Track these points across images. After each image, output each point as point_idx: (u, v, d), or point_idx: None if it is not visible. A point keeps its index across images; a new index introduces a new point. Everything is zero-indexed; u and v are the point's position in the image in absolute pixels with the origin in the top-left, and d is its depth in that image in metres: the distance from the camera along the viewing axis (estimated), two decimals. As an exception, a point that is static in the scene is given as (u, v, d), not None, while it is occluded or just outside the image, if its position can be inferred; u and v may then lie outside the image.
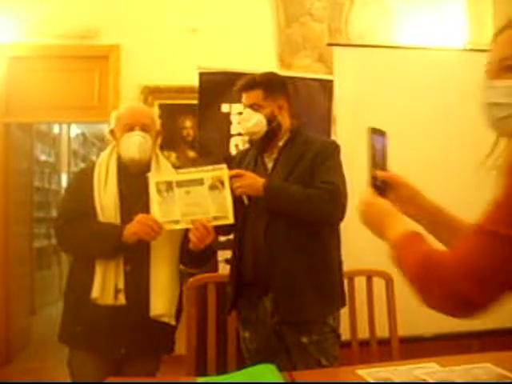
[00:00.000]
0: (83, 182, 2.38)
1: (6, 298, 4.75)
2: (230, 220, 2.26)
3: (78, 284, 2.31)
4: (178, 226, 2.26)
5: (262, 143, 2.45)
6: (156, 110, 2.62)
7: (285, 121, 2.48)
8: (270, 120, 2.42)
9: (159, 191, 2.22)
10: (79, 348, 2.30)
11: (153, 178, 2.25)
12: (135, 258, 2.27)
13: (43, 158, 7.11)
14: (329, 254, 2.44)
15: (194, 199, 2.23)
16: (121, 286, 2.24)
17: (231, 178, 2.28)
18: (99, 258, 2.25)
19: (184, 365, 2.50)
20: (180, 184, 2.23)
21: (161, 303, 2.28)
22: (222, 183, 2.24)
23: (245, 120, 2.43)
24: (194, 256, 2.32)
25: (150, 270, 2.29)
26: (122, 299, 2.23)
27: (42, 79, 4.72)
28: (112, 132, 2.44)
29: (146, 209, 2.26)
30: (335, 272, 2.45)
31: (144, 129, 2.37)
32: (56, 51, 4.67)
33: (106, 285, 2.23)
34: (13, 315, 4.87)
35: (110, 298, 2.23)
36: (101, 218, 2.29)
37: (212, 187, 2.23)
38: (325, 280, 2.39)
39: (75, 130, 8.34)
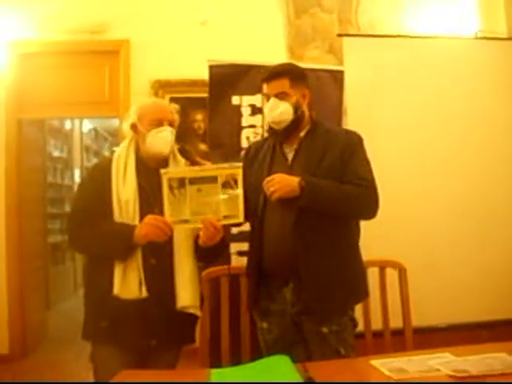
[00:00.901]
0: (99, 177, 2.37)
1: (21, 293, 4.79)
2: (241, 219, 2.25)
3: (99, 280, 2.30)
4: (188, 226, 2.24)
5: (285, 133, 2.44)
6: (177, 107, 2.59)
7: (307, 111, 2.49)
8: (296, 109, 2.41)
9: (171, 188, 2.19)
10: (105, 344, 2.29)
11: (166, 174, 2.22)
12: (159, 250, 2.27)
13: (56, 153, 7.15)
14: (356, 245, 2.47)
15: (206, 197, 2.21)
16: (147, 279, 2.24)
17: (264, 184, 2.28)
18: (111, 259, 2.26)
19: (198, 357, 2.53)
20: (193, 181, 2.21)
21: (187, 295, 2.29)
22: (236, 182, 2.21)
23: (272, 109, 2.40)
24: (203, 252, 2.32)
25: (174, 263, 2.30)
26: (143, 292, 2.24)
27: (53, 75, 4.74)
28: (134, 126, 2.42)
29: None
30: (361, 263, 2.49)
31: (171, 124, 2.38)
32: (66, 47, 4.69)
33: (131, 279, 2.24)
34: (28, 310, 4.91)
35: (136, 291, 2.23)
36: (118, 212, 2.28)
37: (225, 185, 2.21)
38: (352, 271, 2.42)
39: (87, 125, 8.38)
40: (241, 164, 2.24)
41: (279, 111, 2.39)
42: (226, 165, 2.27)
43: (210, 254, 2.35)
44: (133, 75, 4.70)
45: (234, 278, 2.61)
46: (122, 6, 4.71)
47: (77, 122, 7.87)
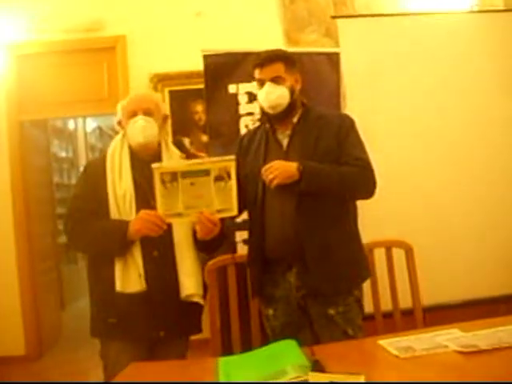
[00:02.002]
0: (93, 175, 2.39)
1: (35, 294, 4.83)
2: (234, 212, 2.24)
3: (102, 277, 2.32)
4: (181, 220, 2.24)
5: (280, 118, 2.43)
6: (159, 96, 2.59)
7: (299, 96, 2.48)
8: (291, 93, 2.42)
9: (163, 182, 2.18)
10: (114, 339, 2.32)
11: (158, 169, 2.20)
12: (161, 242, 2.28)
13: (61, 154, 7.16)
14: (355, 226, 2.49)
15: (198, 191, 2.19)
16: (150, 271, 2.26)
17: (262, 172, 2.28)
18: (108, 256, 2.28)
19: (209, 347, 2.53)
20: (185, 175, 2.19)
21: (190, 283, 2.30)
22: (229, 175, 2.20)
23: (269, 93, 2.39)
24: (203, 244, 2.33)
25: (175, 253, 2.31)
26: (152, 285, 2.25)
27: (52, 75, 4.74)
28: (119, 123, 2.46)
29: None
30: (360, 243, 2.51)
31: (147, 113, 2.38)
32: (63, 46, 4.68)
33: (135, 272, 2.26)
34: (43, 310, 4.95)
35: (141, 284, 2.25)
36: (115, 208, 2.30)
37: (217, 178, 2.19)
38: (353, 251, 2.44)
39: (91, 124, 8.37)
40: (233, 157, 2.23)
41: (276, 95, 2.38)
42: (218, 158, 2.26)
43: (209, 245, 2.36)
44: (131, 70, 4.69)
45: (240, 266, 2.61)
46: (117, 2, 4.70)
47: (80, 121, 7.87)
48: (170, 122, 4.48)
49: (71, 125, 7.67)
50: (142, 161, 2.37)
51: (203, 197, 2.20)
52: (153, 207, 2.23)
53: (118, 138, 2.46)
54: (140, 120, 2.35)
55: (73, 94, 4.70)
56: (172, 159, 2.43)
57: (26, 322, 4.72)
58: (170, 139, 2.54)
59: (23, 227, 4.75)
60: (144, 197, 2.30)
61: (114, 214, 2.30)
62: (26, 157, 4.89)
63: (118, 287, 2.24)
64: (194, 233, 2.31)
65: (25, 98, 4.76)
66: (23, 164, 4.82)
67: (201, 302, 2.36)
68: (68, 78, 4.73)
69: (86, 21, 4.66)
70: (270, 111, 2.42)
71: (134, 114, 2.37)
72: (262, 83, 2.42)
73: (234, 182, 2.21)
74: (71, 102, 4.75)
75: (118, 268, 2.26)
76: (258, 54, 2.49)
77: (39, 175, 5.29)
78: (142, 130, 2.34)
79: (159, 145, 2.45)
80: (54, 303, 5.47)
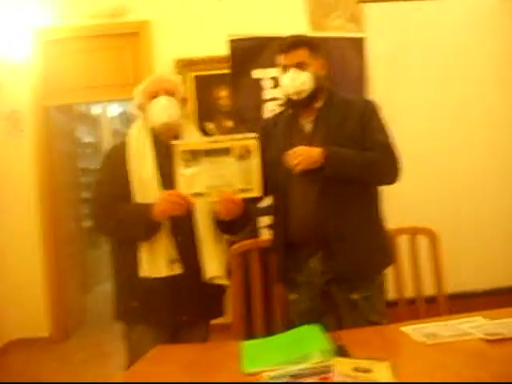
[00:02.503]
0: (116, 160, 2.39)
1: (60, 277, 4.89)
2: (258, 193, 2.20)
3: (127, 260, 2.33)
4: (203, 199, 2.21)
5: (304, 103, 2.42)
6: (179, 78, 2.57)
7: (324, 81, 2.46)
8: (316, 78, 2.40)
9: (185, 160, 2.17)
10: (137, 323, 2.34)
11: (178, 146, 2.20)
12: (184, 227, 2.29)
13: (86, 139, 7.21)
14: (379, 211, 2.49)
15: (220, 170, 2.17)
16: (175, 255, 2.27)
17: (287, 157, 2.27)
18: (135, 240, 2.29)
19: (231, 332, 2.55)
20: (206, 153, 2.17)
21: (213, 265, 2.30)
22: (250, 153, 2.17)
23: (294, 79, 2.37)
24: (225, 224, 2.33)
25: (198, 237, 2.31)
26: (177, 269, 2.27)
27: (77, 60, 4.77)
28: (140, 106, 2.44)
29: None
30: (384, 228, 2.50)
31: (168, 93, 2.38)
32: (88, 31, 4.70)
33: (160, 257, 2.26)
34: (67, 294, 5.02)
35: (165, 268, 2.26)
36: (140, 192, 2.30)
37: (240, 157, 2.17)
38: (378, 237, 2.44)
39: (115, 109, 8.41)
40: (255, 135, 2.21)
41: (301, 81, 2.37)
42: (239, 136, 2.23)
43: (232, 226, 2.36)
44: (156, 56, 4.69)
45: (263, 251, 2.62)
46: (141, -13, 4.71)
47: (104, 106, 7.92)
48: (195, 107, 4.53)
49: (96, 110, 7.71)
50: (164, 144, 2.37)
51: (225, 176, 2.17)
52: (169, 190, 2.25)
53: (138, 122, 2.46)
54: (162, 99, 2.35)
55: (98, 79, 4.73)
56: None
57: (51, 305, 4.79)
58: (192, 123, 2.51)
59: (49, 212, 4.80)
60: (168, 179, 2.28)
61: (138, 197, 2.30)
62: (52, 142, 4.93)
63: (143, 272, 2.25)
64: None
65: (50, 84, 4.79)
66: (49, 149, 4.86)
67: (225, 283, 2.37)
68: (93, 63, 4.75)
69: (110, 6, 4.66)
70: (294, 97, 2.41)
71: (155, 95, 2.37)
72: (286, 69, 2.41)
73: (257, 161, 2.17)
74: (96, 87, 4.77)
75: (144, 252, 2.27)
76: (282, 39, 2.48)
77: (64, 160, 5.33)
78: (165, 108, 2.34)
79: (180, 128, 2.44)
80: (78, 287, 5.53)
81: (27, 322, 4.72)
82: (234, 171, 2.18)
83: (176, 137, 2.38)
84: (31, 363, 4.29)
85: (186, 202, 2.18)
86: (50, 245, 4.81)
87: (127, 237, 2.33)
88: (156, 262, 2.26)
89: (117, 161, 2.37)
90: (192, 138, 2.43)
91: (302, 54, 2.39)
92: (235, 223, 2.32)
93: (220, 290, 2.40)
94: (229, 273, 2.45)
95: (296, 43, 2.41)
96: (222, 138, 2.28)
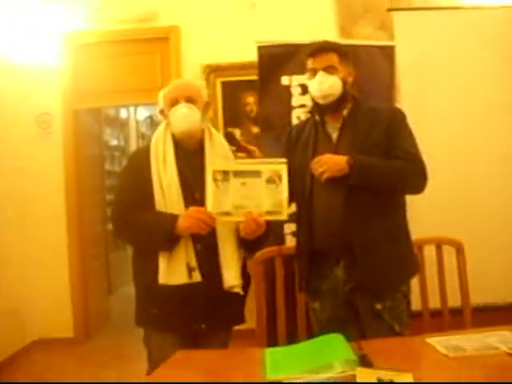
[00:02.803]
0: (138, 165, 2.38)
1: (84, 278, 4.94)
2: (284, 216, 2.23)
3: (147, 267, 2.32)
4: (230, 219, 2.23)
5: (331, 108, 2.41)
6: (202, 83, 2.58)
7: (351, 89, 2.46)
8: (344, 84, 2.40)
9: (215, 180, 2.20)
10: (157, 330, 2.34)
11: (211, 166, 2.24)
12: (204, 236, 2.27)
13: (113, 142, 7.28)
14: (404, 221, 2.47)
15: (249, 191, 2.20)
16: (194, 264, 2.25)
17: (312, 165, 2.27)
18: (154, 250, 2.28)
19: (254, 338, 2.54)
20: (237, 174, 2.21)
21: (232, 274, 2.29)
22: (280, 178, 2.20)
23: (321, 82, 2.37)
24: (243, 242, 2.33)
25: (217, 246, 2.30)
26: (196, 277, 2.25)
27: (106, 64, 4.83)
28: (162, 111, 2.45)
29: (204, 189, 2.27)
30: (409, 238, 2.48)
31: (189, 100, 2.35)
32: (117, 36, 4.75)
33: (179, 264, 2.25)
34: (91, 295, 5.06)
35: (184, 276, 2.24)
36: (161, 198, 2.29)
37: (269, 181, 2.20)
38: (402, 246, 2.42)
39: (143, 113, 8.49)
40: (285, 160, 2.24)
41: (328, 84, 2.37)
42: (270, 160, 2.27)
43: (250, 245, 2.36)
44: (184, 61, 4.73)
45: (288, 258, 2.61)
46: (171, -8, 4.75)
47: (132, 110, 7.99)
48: (221, 113, 4.55)
49: (123, 113, 7.79)
50: (186, 150, 2.38)
51: (253, 197, 2.20)
52: (196, 199, 2.26)
53: (162, 127, 2.45)
54: (182, 107, 2.33)
55: (126, 84, 4.77)
56: (216, 148, 2.41)
57: (74, 306, 4.83)
58: (214, 129, 2.50)
59: (75, 214, 4.84)
60: (188, 187, 2.30)
61: (159, 204, 2.29)
62: (80, 144, 4.99)
63: (162, 280, 2.24)
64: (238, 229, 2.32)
65: (80, 87, 4.85)
66: (76, 151, 4.91)
67: (241, 292, 2.34)
68: (122, 68, 4.80)
69: (140, 11, 4.71)
70: (321, 101, 2.40)
71: (176, 102, 2.35)
72: (314, 72, 2.40)
73: (285, 186, 2.21)
74: (124, 91, 4.82)
75: (163, 260, 2.25)
76: (311, 44, 2.48)
77: (91, 163, 5.39)
78: (185, 117, 2.32)
79: (203, 133, 2.43)
80: (102, 288, 5.57)
81: (51, 322, 4.77)
82: (262, 193, 2.21)
83: (197, 144, 2.39)
84: (52, 363, 4.32)
85: (213, 222, 2.19)
86: (76, 246, 4.85)
87: (146, 246, 2.34)
88: (176, 269, 2.25)
89: (139, 166, 2.36)
90: (215, 145, 2.43)
91: (330, 58, 2.39)
92: (253, 243, 2.33)
93: (240, 297, 2.38)
94: (249, 280, 2.45)
95: (325, 47, 2.41)
96: (252, 161, 2.31)
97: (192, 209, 2.21)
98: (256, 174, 2.21)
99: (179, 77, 4.56)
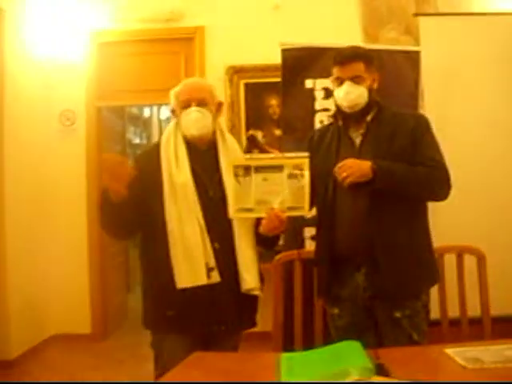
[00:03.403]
0: (146, 166, 2.31)
1: (103, 275, 4.98)
2: (306, 211, 2.22)
3: (161, 267, 2.25)
4: (252, 215, 2.22)
5: (356, 117, 2.40)
6: (212, 84, 2.54)
7: (376, 94, 2.45)
8: (369, 92, 2.39)
9: (236, 175, 2.18)
10: (171, 332, 2.27)
11: (231, 161, 2.22)
12: (221, 234, 2.26)
13: (135, 140, 7.32)
14: (427, 229, 2.45)
15: (271, 187, 2.18)
16: (212, 264, 2.21)
17: (335, 171, 2.26)
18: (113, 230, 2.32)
19: (270, 341, 2.54)
20: (258, 169, 2.18)
21: (251, 277, 2.27)
22: (302, 173, 2.18)
23: (348, 92, 2.35)
24: (262, 239, 2.30)
25: (235, 246, 2.27)
26: (215, 277, 2.21)
27: (131, 63, 4.88)
28: (173, 111, 2.41)
29: (219, 187, 2.26)
30: (432, 247, 2.46)
31: (201, 103, 2.31)
32: (143, 35, 4.80)
33: (198, 264, 2.20)
34: (109, 292, 5.10)
35: (203, 277, 2.20)
36: (173, 196, 2.23)
37: (291, 176, 2.18)
38: (424, 255, 2.41)
39: (166, 112, 8.51)
40: (307, 154, 2.23)
41: (355, 95, 2.35)
42: (292, 155, 2.26)
43: (269, 241, 2.35)
44: (208, 61, 4.75)
45: (307, 262, 2.60)
46: (196, -7, 4.76)
47: (155, 109, 8.03)
48: (243, 114, 4.55)
49: (147, 112, 7.83)
50: (198, 149, 2.35)
51: (275, 193, 2.18)
52: (211, 198, 2.25)
53: (171, 127, 2.40)
54: (193, 112, 2.29)
55: (150, 83, 4.79)
56: (228, 147, 2.38)
57: (93, 302, 4.88)
58: (227, 130, 2.48)
59: (96, 212, 4.86)
60: (203, 186, 2.27)
61: (169, 202, 2.24)
62: (103, 141, 5.03)
63: (180, 283, 2.19)
64: (256, 226, 2.29)
65: (104, 85, 4.89)
66: (99, 148, 4.95)
67: (260, 294, 2.33)
68: (146, 67, 4.84)
69: (165, 11, 4.74)
70: (348, 110, 2.39)
71: (187, 105, 2.31)
72: (341, 81, 2.38)
73: (307, 181, 2.19)
74: (148, 90, 4.84)
75: (180, 260, 2.21)
76: (337, 50, 2.46)
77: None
78: (196, 122, 2.29)
79: (214, 133, 2.39)
80: (121, 286, 5.60)
81: (69, 318, 4.82)
82: (284, 188, 2.18)
83: (209, 144, 2.36)
84: (68, 359, 4.38)
85: (126, 166, 2.12)
86: (96, 243, 4.90)
87: (120, 227, 2.33)
88: (194, 269, 2.20)
89: (147, 167, 2.30)
90: (227, 146, 2.39)
91: (357, 68, 2.37)
92: (272, 239, 2.32)
93: (254, 299, 2.35)
94: (262, 281, 2.40)
95: (352, 56, 2.38)
96: (274, 155, 2.29)
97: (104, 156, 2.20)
98: (278, 168, 2.18)
99: (203, 77, 4.58)
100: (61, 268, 4.82)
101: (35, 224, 4.72)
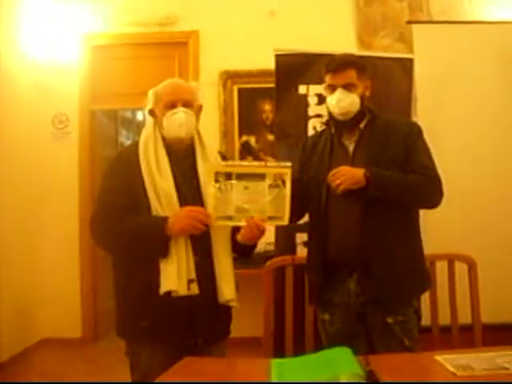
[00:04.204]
0: (126, 166, 2.23)
1: (94, 279, 4.96)
2: (286, 221, 2.16)
3: (141, 277, 2.17)
4: (231, 223, 2.16)
5: (349, 124, 2.41)
6: (196, 84, 2.48)
7: (368, 102, 2.46)
8: (362, 100, 2.40)
9: (217, 181, 2.11)
10: (146, 342, 2.19)
11: (212, 167, 2.15)
12: (201, 247, 2.18)
13: (128, 143, 7.29)
14: (419, 235, 2.46)
15: (252, 195, 2.12)
16: (193, 275, 2.14)
17: (329, 177, 2.26)
18: (142, 256, 2.15)
19: (257, 347, 2.53)
20: (240, 177, 2.13)
21: (229, 288, 2.21)
22: (284, 182, 2.13)
23: (340, 100, 2.36)
24: (240, 247, 2.26)
25: (213, 258, 2.21)
26: (194, 289, 2.14)
27: (124, 67, 4.87)
28: (152, 112, 2.32)
29: (197, 194, 2.20)
30: (423, 253, 2.47)
31: (186, 104, 2.23)
32: (137, 39, 4.80)
33: (180, 275, 2.12)
34: (100, 296, 5.06)
35: (183, 288, 2.12)
36: (158, 204, 2.14)
37: (272, 185, 2.13)
38: (416, 261, 2.42)
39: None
40: (290, 164, 2.17)
41: (347, 102, 2.36)
42: (274, 163, 2.23)
43: (246, 250, 2.30)
44: (202, 66, 4.75)
45: (298, 268, 2.60)
46: (190, -3, 4.77)
47: (149, 112, 8.01)
48: (236, 119, 4.56)
49: (140, 116, 7.81)
50: (178, 155, 2.26)
51: (256, 202, 2.13)
52: (190, 205, 2.14)
53: (150, 129, 2.30)
54: (180, 113, 2.20)
55: (144, 87, 4.70)
56: (206, 152, 2.29)
57: (84, 306, 4.86)
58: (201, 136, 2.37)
59: (88, 214, 4.84)
60: (182, 193, 2.18)
61: (156, 210, 2.15)
62: (95, 145, 5.02)
63: (171, 287, 2.10)
64: (232, 234, 2.24)
65: (97, 88, 4.89)
66: (92, 152, 4.95)
67: (237, 305, 2.26)
68: (140, 71, 4.81)
69: (159, 15, 4.74)
70: (340, 118, 2.40)
71: (173, 106, 2.22)
72: (333, 89, 2.40)
73: (288, 191, 2.14)
74: (142, 93, 4.78)
75: (172, 268, 2.11)
76: (330, 57, 2.47)
77: (106, 164, 5.38)
78: (183, 123, 2.20)
79: (192, 137, 2.30)
80: (111, 290, 5.56)
81: (60, 322, 4.79)
82: (265, 197, 2.14)
83: (187, 148, 2.28)
84: (58, 363, 4.33)
85: (208, 220, 2.10)
86: (87, 248, 4.86)
87: (134, 252, 2.18)
88: (176, 280, 2.11)
89: (127, 167, 2.21)
90: (204, 150, 2.31)
91: (350, 75, 2.38)
92: (250, 247, 2.28)
93: (229, 310, 2.30)
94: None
95: (345, 64, 2.39)
96: (257, 163, 2.26)
97: (187, 209, 2.10)
98: (260, 177, 2.13)
99: (197, 82, 4.57)
100: (52, 272, 4.80)
101: (27, 227, 4.69)
